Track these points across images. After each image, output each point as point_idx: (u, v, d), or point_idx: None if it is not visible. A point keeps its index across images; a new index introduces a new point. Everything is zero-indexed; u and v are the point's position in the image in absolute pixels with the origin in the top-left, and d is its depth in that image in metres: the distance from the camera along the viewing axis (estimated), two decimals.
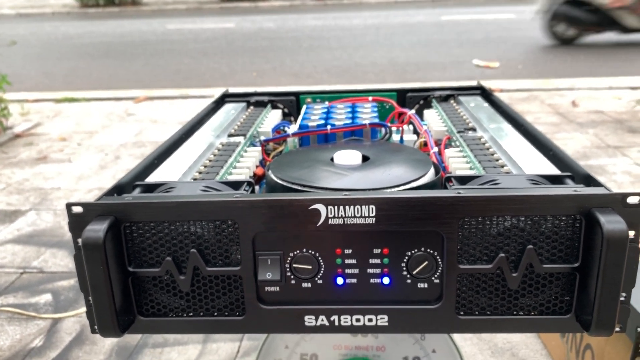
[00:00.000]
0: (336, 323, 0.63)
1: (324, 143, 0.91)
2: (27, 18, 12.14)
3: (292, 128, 0.96)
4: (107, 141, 3.36)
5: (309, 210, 0.58)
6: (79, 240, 0.58)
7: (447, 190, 0.61)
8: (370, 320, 0.62)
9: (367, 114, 0.97)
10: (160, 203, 0.59)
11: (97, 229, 0.57)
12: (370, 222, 0.58)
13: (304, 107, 1.07)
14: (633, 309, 0.92)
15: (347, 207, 0.58)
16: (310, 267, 0.61)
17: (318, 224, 0.59)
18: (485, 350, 1.38)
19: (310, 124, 0.93)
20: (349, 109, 1.01)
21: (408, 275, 0.60)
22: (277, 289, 0.62)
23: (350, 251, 0.61)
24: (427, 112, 1.07)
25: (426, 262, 0.60)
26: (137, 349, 1.45)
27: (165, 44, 7.51)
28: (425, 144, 0.90)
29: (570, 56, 5.53)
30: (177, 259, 0.61)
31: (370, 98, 1.08)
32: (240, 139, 0.92)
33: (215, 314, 0.63)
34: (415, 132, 0.97)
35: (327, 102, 1.10)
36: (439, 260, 0.60)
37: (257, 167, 0.89)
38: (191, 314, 0.64)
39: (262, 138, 0.95)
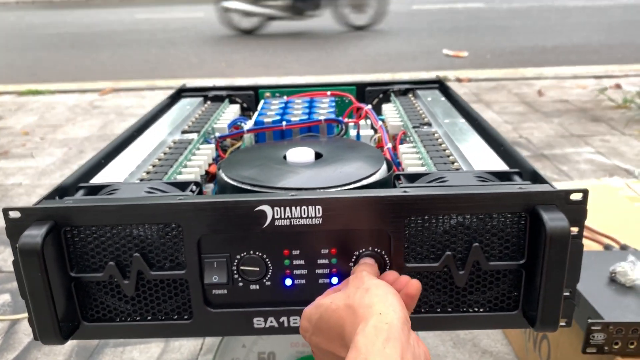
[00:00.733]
0: (285, 324, 0.62)
1: (280, 139, 0.90)
2: None
3: (249, 124, 0.95)
4: (71, 135, 3.28)
5: (254, 212, 0.57)
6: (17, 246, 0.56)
7: (393, 190, 0.60)
8: None
9: (325, 109, 0.97)
10: (101, 207, 0.57)
11: (34, 235, 0.55)
12: (317, 222, 0.58)
13: (262, 102, 1.05)
14: (584, 300, 0.93)
15: (293, 208, 0.57)
16: (257, 269, 0.60)
17: (264, 226, 0.58)
18: (447, 341, 1.39)
19: (266, 119, 0.91)
20: (307, 104, 1.00)
21: None
22: (225, 291, 0.61)
23: (298, 252, 0.60)
24: (385, 107, 1.07)
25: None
26: (98, 348, 1.42)
27: (134, 34, 7.36)
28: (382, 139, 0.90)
29: None
30: (121, 263, 0.60)
31: (328, 93, 1.07)
32: (194, 135, 0.90)
33: (162, 317, 0.62)
34: (373, 127, 0.97)
35: (285, 97, 1.09)
36: (387, 259, 0.60)
37: (211, 164, 0.87)
38: (138, 318, 0.62)
39: (217, 135, 0.94)
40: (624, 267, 0.99)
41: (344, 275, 0.60)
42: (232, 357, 0.88)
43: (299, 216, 0.57)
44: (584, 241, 0.58)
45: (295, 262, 0.60)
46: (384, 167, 0.71)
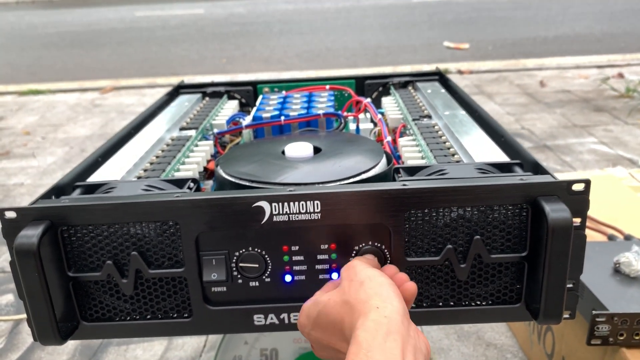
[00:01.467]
0: (286, 321, 0.62)
1: (279, 134, 0.89)
2: None
3: (248, 119, 0.94)
4: (73, 134, 3.28)
5: (252, 208, 0.57)
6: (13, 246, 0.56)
7: (393, 183, 0.59)
8: None
9: (323, 103, 0.96)
10: (97, 205, 0.57)
11: (30, 235, 0.54)
12: (316, 217, 0.57)
13: (260, 97, 1.04)
14: (588, 291, 0.93)
15: (291, 204, 0.57)
16: (256, 265, 0.59)
17: (263, 222, 0.57)
18: (452, 334, 1.39)
19: (265, 115, 0.91)
20: (305, 99, 0.99)
21: None
22: (224, 289, 0.61)
23: (297, 248, 0.59)
24: (384, 100, 1.06)
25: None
26: (102, 347, 1.42)
27: (133, 31, 7.35)
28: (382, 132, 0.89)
29: None
30: (119, 262, 0.59)
31: (327, 87, 1.06)
32: (192, 132, 0.89)
33: (162, 316, 0.62)
34: (373, 120, 0.96)
35: (284, 92, 1.08)
36: (387, 253, 0.59)
37: (210, 161, 0.87)
38: (137, 317, 0.62)
39: (215, 131, 0.93)
40: (628, 257, 0.98)
41: None
42: (235, 354, 0.88)
43: (298, 211, 0.57)
44: (588, 232, 0.57)
45: (295, 258, 0.60)
46: (384, 160, 0.70)
